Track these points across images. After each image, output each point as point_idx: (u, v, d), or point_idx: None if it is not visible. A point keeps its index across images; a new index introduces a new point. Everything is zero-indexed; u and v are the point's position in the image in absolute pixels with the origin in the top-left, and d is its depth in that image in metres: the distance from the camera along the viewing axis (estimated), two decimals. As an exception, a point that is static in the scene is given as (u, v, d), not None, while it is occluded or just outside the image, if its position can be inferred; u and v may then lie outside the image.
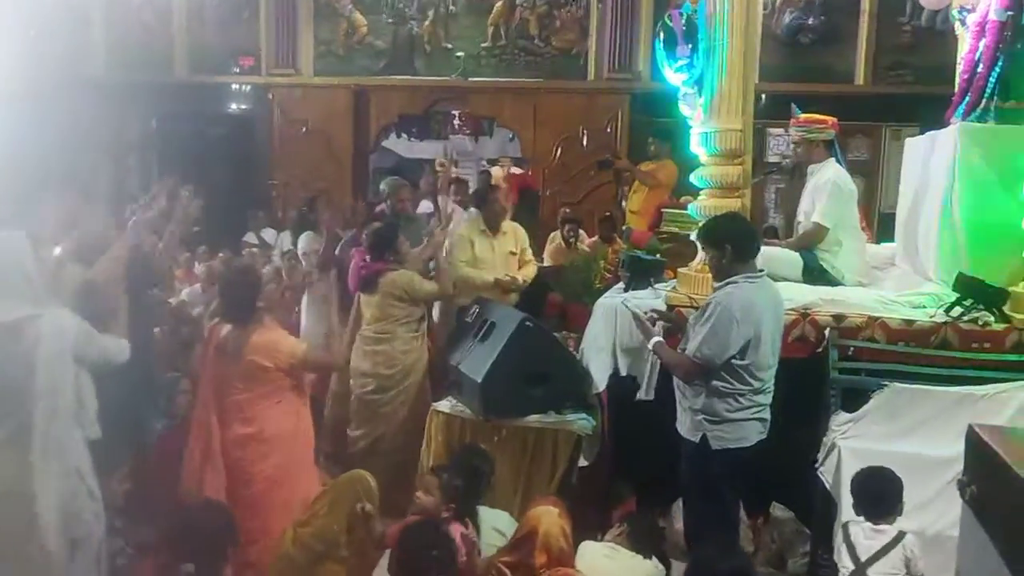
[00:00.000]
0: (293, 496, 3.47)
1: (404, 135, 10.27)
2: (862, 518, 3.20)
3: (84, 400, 3.02)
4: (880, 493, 3.19)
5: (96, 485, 3.02)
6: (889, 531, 3.14)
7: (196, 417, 3.58)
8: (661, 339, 3.77)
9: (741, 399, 3.46)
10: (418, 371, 4.71)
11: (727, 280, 3.51)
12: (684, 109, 4.58)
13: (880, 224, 7.10)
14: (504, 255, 5.58)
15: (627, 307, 4.29)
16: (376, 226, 4.98)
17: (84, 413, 3.01)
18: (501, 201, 5.86)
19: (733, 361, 3.42)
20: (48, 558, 2.84)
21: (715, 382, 3.47)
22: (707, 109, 4.31)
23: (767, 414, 3.56)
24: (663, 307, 4.24)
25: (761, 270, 3.61)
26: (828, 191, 4.64)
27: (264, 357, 3.42)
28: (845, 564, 3.17)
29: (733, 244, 3.52)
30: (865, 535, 3.15)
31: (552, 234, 7.30)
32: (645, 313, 3.97)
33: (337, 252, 5.32)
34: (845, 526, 3.23)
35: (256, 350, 3.43)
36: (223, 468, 3.45)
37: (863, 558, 3.10)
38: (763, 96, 6.86)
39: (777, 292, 3.70)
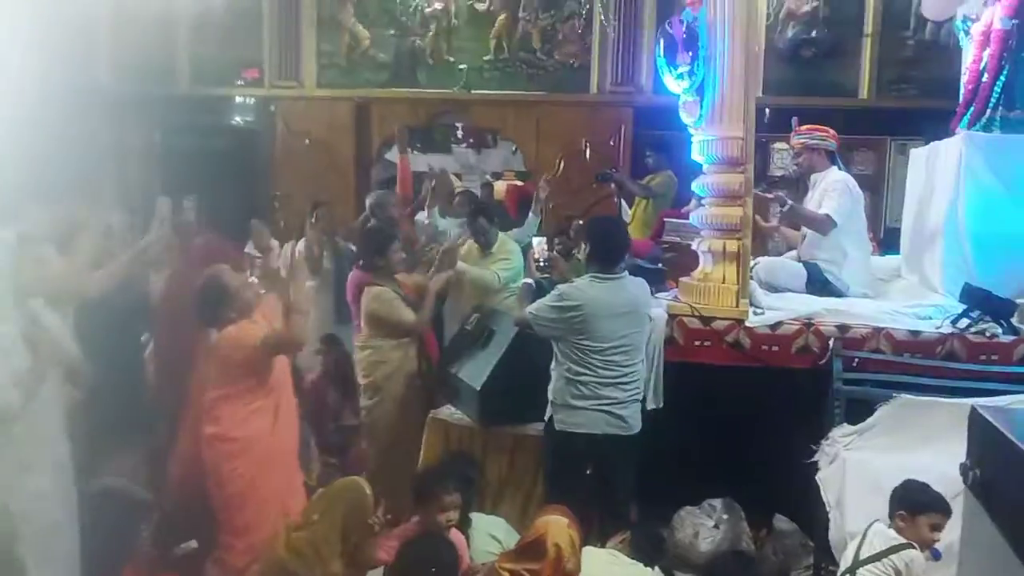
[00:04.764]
0: (272, 500, 3.39)
1: (408, 150, 10.25)
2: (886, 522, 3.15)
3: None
4: (891, 496, 3.16)
5: (17, 500, 2.91)
6: (898, 540, 3.07)
7: (186, 415, 3.55)
8: (531, 282, 4.24)
9: (583, 388, 3.66)
10: (396, 381, 4.55)
11: (585, 275, 3.81)
12: (685, 117, 4.54)
13: (886, 237, 7.04)
14: (468, 285, 5.30)
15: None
16: (369, 230, 4.94)
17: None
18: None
19: (579, 354, 3.64)
20: None
21: (562, 368, 3.69)
22: (708, 117, 4.27)
23: (624, 411, 3.70)
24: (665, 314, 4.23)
25: (618, 275, 3.77)
26: (839, 189, 4.64)
27: (231, 349, 3.37)
28: (846, 559, 3.11)
29: (591, 245, 3.83)
30: (877, 537, 3.10)
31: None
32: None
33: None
34: (870, 526, 3.16)
35: (224, 346, 3.39)
36: (202, 467, 3.41)
37: (863, 556, 3.05)
38: (767, 110, 6.84)
39: (637, 297, 3.81)
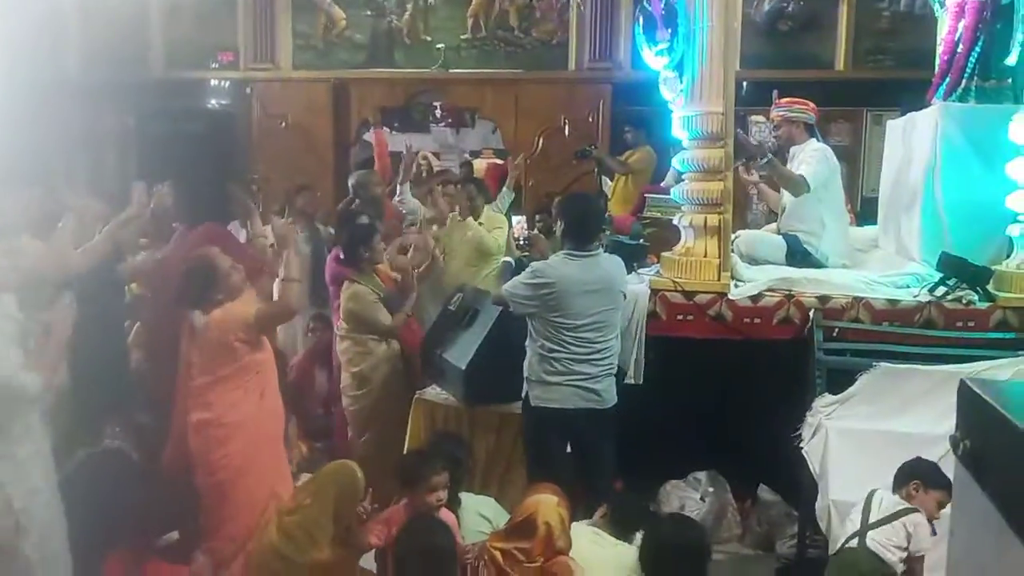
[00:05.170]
0: (260, 484, 3.38)
1: (385, 128, 10.19)
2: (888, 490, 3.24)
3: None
4: (904, 467, 3.26)
5: (21, 498, 2.90)
6: (901, 504, 3.16)
7: (176, 404, 3.54)
8: (510, 260, 4.36)
9: (556, 364, 3.67)
10: (382, 371, 4.54)
11: (559, 252, 3.80)
12: (665, 93, 4.56)
13: (863, 208, 7.11)
14: (467, 244, 5.29)
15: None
16: (350, 223, 4.93)
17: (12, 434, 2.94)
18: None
19: (552, 330, 3.66)
20: None
21: (535, 345, 3.72)
22: (688, 93, 4.29)
23: (597, 385, 3.71)
24: (647, 289, 4.27)
25: (591, 252, 3.75)
26: (816, 157, 4.67)
27: (223, 331, 3.35)
28: (853, 523, 3.18)
29: (564, 222, 3.83)
30: (882, 501, 3.18)
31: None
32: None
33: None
34: (872, 493, 3.23)
35: (215, 326, 3.37)
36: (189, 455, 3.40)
37: (872, 518, 3.13)
38: (744, 83, 6.85)
39: (611, 274, 3.80)
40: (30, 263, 3.40)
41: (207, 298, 3.39)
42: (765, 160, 4.65)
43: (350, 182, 5.95)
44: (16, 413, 2.93)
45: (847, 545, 3.13)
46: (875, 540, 3.07)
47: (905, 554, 3.07)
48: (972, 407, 1.54)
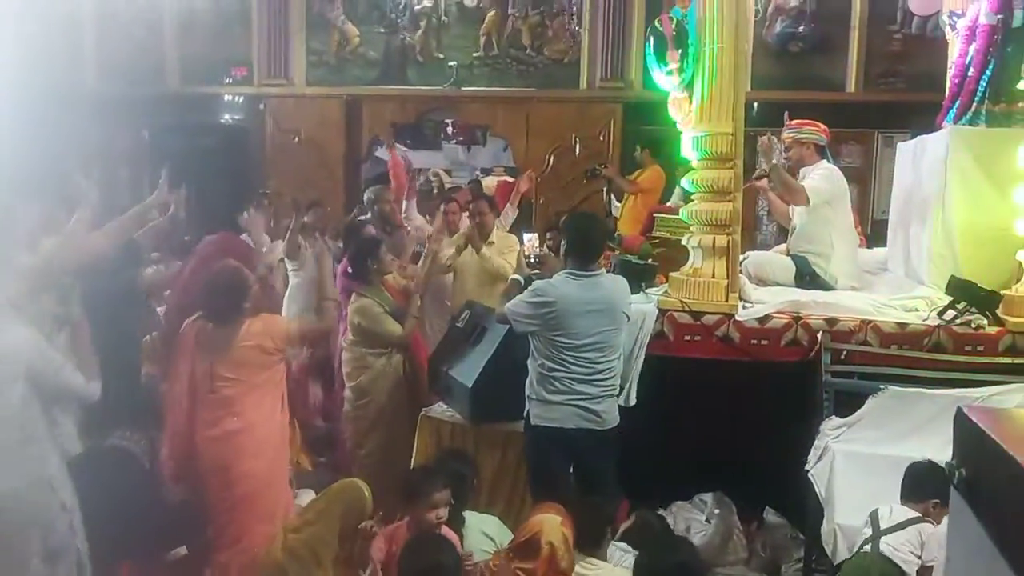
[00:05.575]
0: (276, 499, 3.41)
1: (397, 145, 10.26)
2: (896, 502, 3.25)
3: (56, 417, 2.97)
4: (920, 478, 3.24)
5: (70, 497, 2.93)
6: (912, 513, 3.16)
7: (172, 417, 3.51)
8: (519, 278, 4.31)
9: (557, 383, 3.66)
10: (382, 386, 4.54)
11: (561, 271, 3.80)
12: (674, 113, 4.57)
13: (873, 230, 7.10)
14: (478, 266, 5.31)
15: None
16: (355, 239, 4.95)
17: (58, 428, 2.96)
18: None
19: (553, 350, 3.64)
20: (24, 569, 2.78)
21: (536, 364, 3.71)
22: (698, 113, 4.30)
23: (597, 406, 3.69)
24: (655, 309, 4.26)
25: (593, 272, 3.74)
26: (822, 174, 4.70)
27: (264, 339, 3.41)
28: (864, 534, 3.18)
29: (567, 241, 3.83)
30: (891, 511, 3.19)
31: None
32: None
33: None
34: (876, 509, 3.23)
35: (254, 335, 3.41)
36: (201, 471, 3.40)
37: (883, 526, 3.13)
38: (755, 105, 6.87)
39: (614, 295, 3.78)
40: (46, 258, 3.38)
41: (239, 309, 3.44)
42: (769, 167, 4.68)
43: (365, 196, 6.02)
44: (65, 414, 2.98)
45: (860, 551, 3.13)
46: (889, 545, 3.06)
47: (920, 562, 3.06)
48: (967, 435, 1.53)
